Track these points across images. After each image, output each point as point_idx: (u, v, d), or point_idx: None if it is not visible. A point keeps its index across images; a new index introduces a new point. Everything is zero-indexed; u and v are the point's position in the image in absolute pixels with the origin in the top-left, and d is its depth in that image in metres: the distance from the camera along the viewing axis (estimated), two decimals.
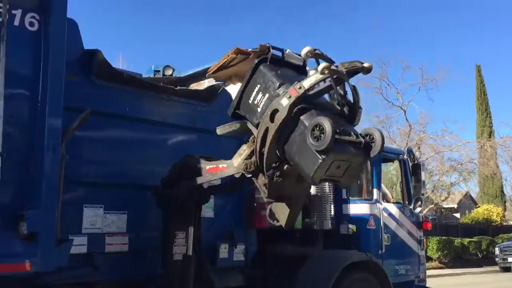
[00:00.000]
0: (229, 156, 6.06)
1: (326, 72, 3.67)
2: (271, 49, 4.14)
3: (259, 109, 4.06)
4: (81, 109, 4.41)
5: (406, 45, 38.01)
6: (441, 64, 29.07)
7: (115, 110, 5.05)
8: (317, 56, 3.77)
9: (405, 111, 27.37)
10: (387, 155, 8.18)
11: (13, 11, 3.86)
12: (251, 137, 4.21)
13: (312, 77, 3.80)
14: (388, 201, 7.94)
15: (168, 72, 6.79)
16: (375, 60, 27.07)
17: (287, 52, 4.24)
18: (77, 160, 4.55)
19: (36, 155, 3.86)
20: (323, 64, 3.70)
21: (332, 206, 7.13)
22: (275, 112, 3.77)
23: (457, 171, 28.58)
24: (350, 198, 7.51)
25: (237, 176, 4.45)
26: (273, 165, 3.94)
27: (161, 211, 5.06)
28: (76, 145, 4.51)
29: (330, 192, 7.22)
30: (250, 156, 4.16)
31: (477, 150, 29.98)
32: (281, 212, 4.29)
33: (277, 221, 4.40)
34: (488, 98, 40.30)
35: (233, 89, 4.69)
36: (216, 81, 5.30)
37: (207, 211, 5.55)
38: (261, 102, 4.04)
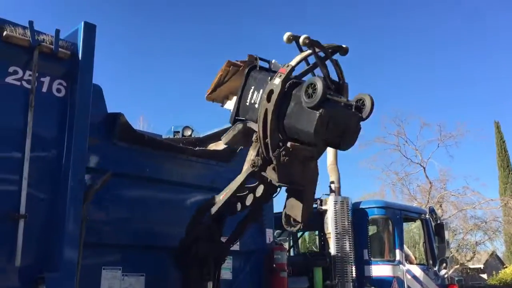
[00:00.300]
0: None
1: (307, 42, 3.92)
2: (258, 59, 4.51)
3: (257, 105, 4.29)
4: (102, 170, 4.50)
5: (423, 102, 38.23)
6: (459, 121, 28.71)
7: (135, 171, 5.12)
8: (297, 39, 3.97)
9: (424, 168, 27.05)
10: (408, 215, 8.07)
11: (42, 79, 4.05)
12: (253, 137, 4.36)
13: (298, 56, 4.08)
14: (411, 262, 7.73)
15: (187, 132, 6.92)
16: (392, 118, 27.21)
17: (273, 62, 4.59)
18: (97, 221, 4.57)
19: (57, 217, 3.91)
20: (303, 36, 3.93)
21: (353, 268, 6.96)
22: (270, 92, 4.02)
23: (482, 229, 27.72)
24: (372, 259, 7.33)
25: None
26: (278, 145, 4.07)
27: (180, 272, 4.99)
28: (97, 207, 4.55)
29: (351, 252, 7.07)
30: (256, 156, 4.35)
31: (501, 207, 29.18)
32: (295, 209, 4.36)
33: (293, 225, 4.47)
34: (509, 155, 39.72)
35: (231, 104, 4.86)
36: (214, 102, 5.28)
37: (226, 272, 5.46)
38: (258, 98, 4.29)
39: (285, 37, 3.99)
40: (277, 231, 7.68)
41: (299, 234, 9.36)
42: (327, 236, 7.39)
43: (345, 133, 4.09)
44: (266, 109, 4.05)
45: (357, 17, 39.17)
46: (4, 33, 3.82)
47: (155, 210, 5.22)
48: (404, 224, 8.33)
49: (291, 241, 9.07)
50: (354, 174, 34.00)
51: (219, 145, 6.40)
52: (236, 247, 5.59)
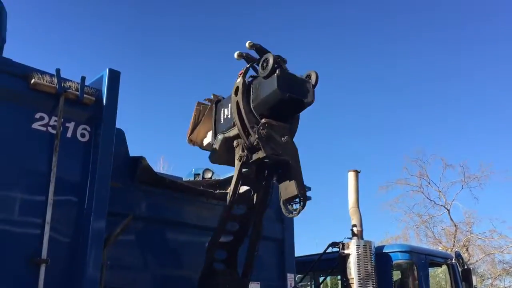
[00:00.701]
0: (269, 258, 5.93)
1: (251, 45, 4.72)
2: (221, 98, 5.29)
3: (229, 116, 4.94)
4: (123, 214, 4.52)
5: (445, 142, 37.82)
6: (483, 161, 28.16)
7: (156, 214, 5.12)
8: (256, 47, 4.75)
9: (449, 210, 26.44)
10: (434, 259, 7.86)
11: (67, 124, 4.16)
12: (234, 143, 4.80)
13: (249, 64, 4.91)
14: None
15: (208, 175, 6.93)
16: (414, 159, 26.91)
17: None
18: (117, 266, 4.55)
19: (78, 261, 3.91)
20: (236, 52, 4.82)
21: None
22: (237, 89, 4.75)
23: (511, 275, 26.68)
24: None
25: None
26: (255, 125, 4.58)
27: None
28: (117, 251, 4.54)
29: None
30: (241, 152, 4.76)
31: None
32: (289, 188, 4.65)
33: (293, 210, 4.67)
34: None
35: (209, 139, 5.39)
36: (194, 145, 5.59)
37: None
38: (229, 110, 4.97)
39: (235, 55, 4.83)
40: (299, 275, 7.52)
41: (321, 279, 9.14)
42: (350, 281, 7.19)
43: (303, 91, 4.67)
44: (237, 101, 4.69)
45: (381, 42, 39.24)
46: (32, 80, 3.96)
47: (176, 254, 5.19)
48: (430, 269, 8.08)
49: (313, 286, 8.86)
50: (376, 217, 33.41)
51: (241, 188, 6.39)
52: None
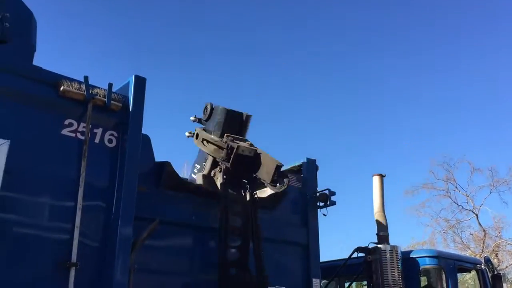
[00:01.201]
0: (294, 263, 5.93)
1: (190, 133, 6.04)
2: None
3: (198, 166, 6.14)
4: (150, 219, 4.57)
5: (472, 146, 37.11)
6: None
7: (181, 219, 5.16)
8: (197, 119, 5.98)
9: (477, 215, 25.87)
10: (463, 265, 7.69)
11: (95, 130, 4.24)
12: (212, 173, 5.77)
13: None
14: None
15: None
16: (441, 163, 26.47)
17: None
18: (144, 270, 4.59)
19: (107, 265, 3.97)
20: (186, 133, 6.07)
21: None
22: (197, 135, 5.90)
23: None
24: None
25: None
26: (220, 140, 5.56)
27: None
28: (143, 255, 4.58)
29: None
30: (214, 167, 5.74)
31: None
32: (268, 167, 5.22)
33: (279, 185, 5.14)
34: None
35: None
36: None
37: None
38: (197, 165, 6.19)
39: (186, 134, 6.04)
40: (324, 281, 7.46)
41: (346, 284, 9.04)
42: (376, 287, 7.10)
43: (238, 111, 5.83)
44: (202, 138, 5.76)
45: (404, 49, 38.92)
46: (61, 88, 4.06)
47: (201, 258, 5.21)
48: (458, 274, 7.92)
49: None
50: (401, 222, 32.95)
51: (264, 192, 6.40)
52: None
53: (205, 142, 5.73)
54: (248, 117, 5.82)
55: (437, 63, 39.24)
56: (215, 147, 5.56)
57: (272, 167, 5.16)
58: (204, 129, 5.89)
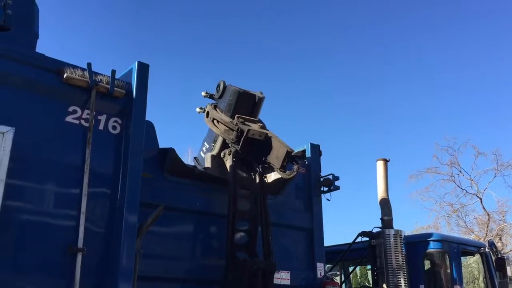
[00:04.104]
0: (298, 247, 5.97)
1: (200, 109, 5.96)
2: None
3: (207, 146, 6.07)
4: (155, 205, 4.60)
5: (477, 130, 36.97)
6: None
7: (186, 205, 5.19)
8: (209, 95, 5.84)
9: (481, 199, 25.86)
10: (467, 248, 7.72)
11: (99, 117, 4.25)
12: (221, 154, 5.73)
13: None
14: None
15: None
16: (445, 147, 26.40)
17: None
18: (150, 255, 4.64)
19: (113, 250, 4.02)
20: (196, 108, 6.02)
21: None
22: (207, 113, 5.76)
23: None
24: None
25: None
26: (230, 121, 5.46)
27: None
28: (149, 240, 4.62)
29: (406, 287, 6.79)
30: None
31: None
32: (278, 152, 5.13)
33: (287, 171, 5.09)
34: None
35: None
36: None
37: None
38: (204, 147, 6.13)
39: (197, 110, 5.98)
40: (328, 265, 7.51)
41: (350, 268, 9.11)
42: (380, 271, 7.15)
43: (251, 92, 5.67)
44: (212, 118, 5.64)
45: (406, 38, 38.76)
46: (65, 75, 4.06)
47: (206, 243, 5.26)
48: (462, 258, 7.95)
49: (343, 276, 8.84)
50: (405, 207, 33.01)
51: (268, 178, 6.42)
52: (286, 281, 5.50)
53: (215, 121, 5.62)
54: (261, 98, 5.66)
55: (442, 46, 38.88)
56: (226, 128, 5.47)
57: (283, 152, 5.07)
58: (216, 107, 5.76)
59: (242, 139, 5.24)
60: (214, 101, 5.87)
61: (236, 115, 5.43)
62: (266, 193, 5.55)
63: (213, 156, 5.74)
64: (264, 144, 5.26)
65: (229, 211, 5.20)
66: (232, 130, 5.37)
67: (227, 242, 5.11)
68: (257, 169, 5.57)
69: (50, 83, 4.05)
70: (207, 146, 6.05)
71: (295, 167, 5.16)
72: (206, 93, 5.85)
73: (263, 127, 5.47)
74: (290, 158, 5.13)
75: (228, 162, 5.49)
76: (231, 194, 5.25)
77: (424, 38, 38.97)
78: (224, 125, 5.47)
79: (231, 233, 5.13)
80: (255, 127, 5.34)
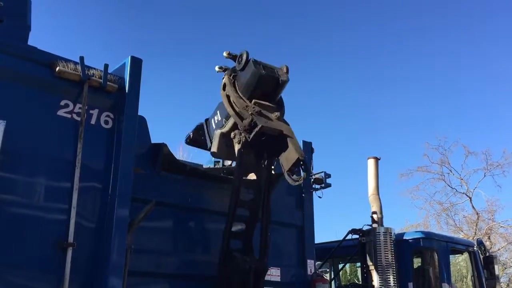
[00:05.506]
0: (289, 244, 5.98)
1: (220, 68, 5.46)
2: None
3: (220, 118, 5.55)
4: (146, 200, 4.60)
5: (467, 130, 37.21)
6: (507, 149, 27.65)
7: (178, 200, 5.19)
8: (232, 55, 5.33)
9: (470, 198, 26.08)
10: (455, 247, 7.79)
11: (91, 111, 4.23)
12: (232, 134, 5.24)
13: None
14: None
15: (228, 162, 6.99)
16: (435, 146, 26.56)
17: None
18: (141, 250, 4.63)
19: (103, 245, 4.01)
20: (216, 67, 5.48)
21: None
22: (224, 85, 5.29)
23: None
24: None
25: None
26: (245, 106, 5.02)
27: None
28: (140, 235, 4.62)
29: (395, 285, 6.86)
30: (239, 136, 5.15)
31: None
32: (288, 154, 4.89)
33: (298, 179, 4.85)
34: None
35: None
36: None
37: None
38: (218, 115, 5.60)
39: (216, 68, 5.46)
40: (318, 262, 7.55)
41: (340, 265, 9.16)
42: (369, 268, 7.20)
43: (277, 72, 5.19)
44: (227, 95, 5.20)
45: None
46: (57, 68, 4.03)
47: (197, 239, 5.26)
48: (451, 256, 8.03)
49: (333, 272, 8.89)
50: (396, 205, 33.25)
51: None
52: (277, 278, 5.52)
53: (230, 99, 5.18)
54: (284, 82, 5.18)
55: (433, 47, 39.08)
56: (239, 112, 5.06)
57: (293, 157, 4.82)
58: (235, 78, 5.25)
59: (254, 131, 4.90)
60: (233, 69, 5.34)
61: (253, 101, 5.03)
62: (271, 189, 5.38)
63: (222, 134, 5.37)
64: (277, 139, 4.98)
65: (231, 201, 5.02)
66: (242, 119, 5.01)
67: (224, 234, 5.00)
68: (265, 162, 5.29)
69: (42, 76, 4.02)
70: (219, 118, 5.57)
71: (304, 174, 4.91)
72: (229, 54, 5.34)
73: (280, 117, 5.09)
74: (300, 164, 4.88)
75: (237, 146, 5.16)
76: (236, 182, 5.05)
77: (414, 39, 39.13)
78: (238, 109, 5.06)
79: (230, 225, 5.01)
80: (271, 116, 5.00)
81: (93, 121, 4.23)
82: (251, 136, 4.92)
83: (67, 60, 4.12)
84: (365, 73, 41.09)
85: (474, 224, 25.40)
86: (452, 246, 7.82)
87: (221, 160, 7.00)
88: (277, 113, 5.06)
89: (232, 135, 5.22)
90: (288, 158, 4.89)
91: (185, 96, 41.76)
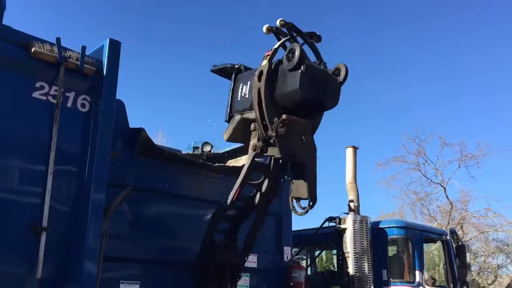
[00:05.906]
0: (266, 231, 6.01)
1: (283, 23, 4.48)
2: (242, 68, 5.04)
3: (247, 95, 4.74)
4: (123, 185, 4.55)
5: (443, 121, 37.77)
6: (481, 141, 28.14)
7: (155, 186, 5.15)
8: (288, 25, 4.54)
9: (445, 189, 26.57)
10: (429, 235, 7.96)
11: (67, 94, 4.14)
12: (251, 126, 4.65)
13: (277, 43, 4.62)
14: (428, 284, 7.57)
15: (207, 148, 6.95)
16: (412, 137, 26.93)
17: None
18: (116, 235, 4.60)
19: (78, 230, 3.96)
20: (279, 19, 4.48)
21: None
22: (260, 73, 4.49)
23: (504, 252, 27.03)
24: (391, 280, 7.21)
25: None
26: (275, 119, 4.39)
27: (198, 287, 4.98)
28: (117, 221, 4.58)
29: (369, 272, 6.97)
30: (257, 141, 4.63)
31: None
32: (300, 188, 4.59)
33: (302, 209, 4.65)
34: None
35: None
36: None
37: None
38: (247, 89, 4.74)
39: (264, 28, 4.54)
40: (295, 249, 7.62)
41: (317, 253, 9.27)
42: (345, 256, 7.30)
43: (328, 92, 4.57)
44: (259, 88, 4.46)
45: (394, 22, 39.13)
46: (33, 49, 3.93)
47: (174, 225, 5.25)
48: (424, 245, 8.19)
49: (309, 259, 8.99)
50: (372, 194, 33.69)
51: (239, 162, 6.42)
52: (253, 264, 5.55)
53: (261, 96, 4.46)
54: (331, 107, 4.67)
55: (410, 37, 39.43)
56: (262, 123, 4.48)
57: (305, 195, 4.56)
58: (276, 72, 4.50)
59: (271, 157, 4.58)
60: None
61: (283, 116, 4.36)
62: (274, 195, 5.20)
63: (243, 120, 4.81)
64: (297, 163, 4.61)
65: (232, 196, 4.81)
66: (266, 127, 4.44)
67: (210, 224, 4.93)
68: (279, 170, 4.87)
69: (16, 56, 3.91)
70: (247, 94, 4.79)
71: (307, 208, 4.66)
72: (270, 28, 4.55)
73: (310, 139, 4.58)
74: (308, 203, 4.65)
75: (253, 140, 4.67)
76: (241, 181, 4.76)
77: (396, 29, 39.41)
78: (265, 113, 4.42)
79: (218, 218, 4.88)
80: (299, 139, 4.47)
81: (69, 104, 4.15)
82: (267, 154, 4.61)
83: (43, 41, 4.01)
84: (345, 61, 41.27)
85: (448, 214, 25.93)
86: (426, 235, 7.98)
87: (200, 146, 6.97)
88: (307, 136, 4.56)
89: (252, 127, 4.68)
90: (298, 189, 4.64)
91: (166, 83, 41.27)
